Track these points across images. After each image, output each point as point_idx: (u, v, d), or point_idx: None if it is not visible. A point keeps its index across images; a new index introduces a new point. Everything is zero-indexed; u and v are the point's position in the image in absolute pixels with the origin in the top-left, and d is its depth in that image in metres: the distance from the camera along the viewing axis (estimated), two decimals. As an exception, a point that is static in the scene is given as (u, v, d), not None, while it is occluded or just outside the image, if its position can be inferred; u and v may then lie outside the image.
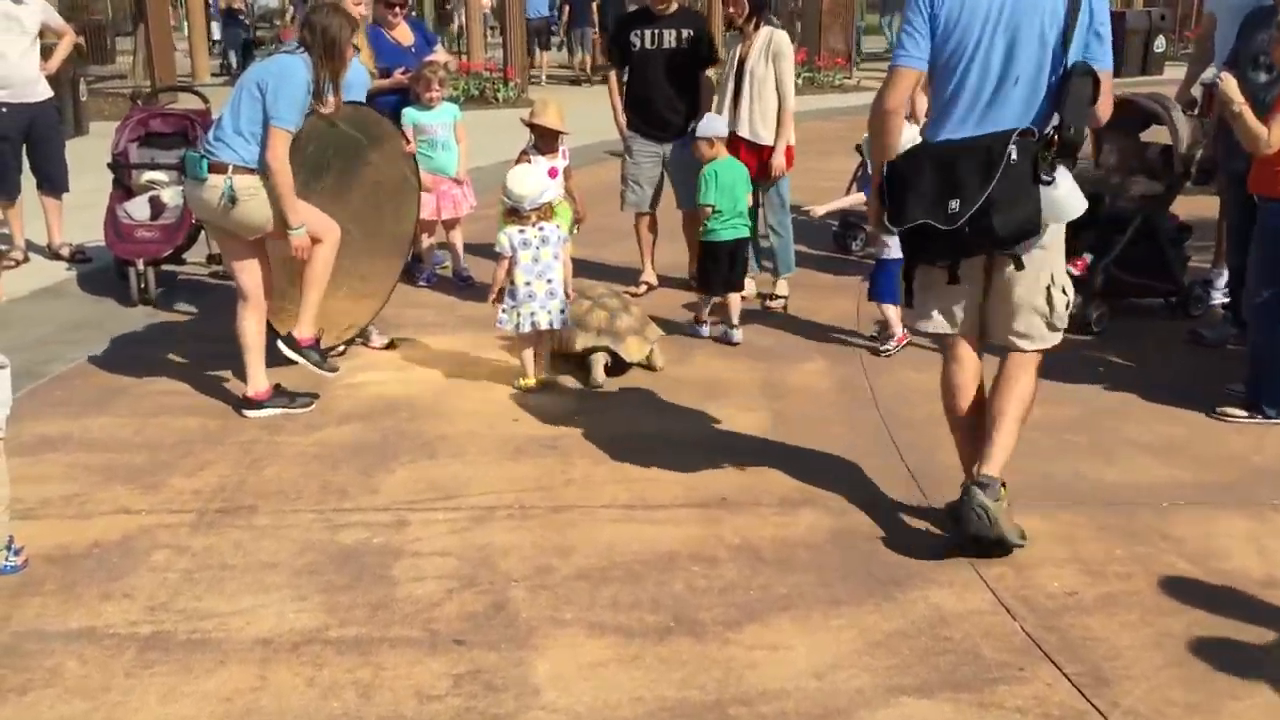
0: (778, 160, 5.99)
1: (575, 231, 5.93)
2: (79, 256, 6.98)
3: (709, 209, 5.58)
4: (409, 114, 6.50)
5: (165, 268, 6.36)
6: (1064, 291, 3.37)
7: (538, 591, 3.32)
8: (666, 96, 6.22)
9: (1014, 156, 3.11)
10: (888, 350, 5.47)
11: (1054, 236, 3.33)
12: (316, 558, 3.49)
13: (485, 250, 7.20)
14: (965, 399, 3.55)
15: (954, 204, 3.14)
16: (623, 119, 6.44)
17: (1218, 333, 5.65)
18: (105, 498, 3.91)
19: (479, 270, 6.67)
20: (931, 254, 3.38)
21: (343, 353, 5.32)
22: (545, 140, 5.95)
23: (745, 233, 5.70)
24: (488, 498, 3.93)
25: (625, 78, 6.46)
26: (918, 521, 3.79)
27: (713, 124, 5.68)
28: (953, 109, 3.29)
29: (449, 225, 6.79)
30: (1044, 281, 3.35)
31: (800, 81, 17.74)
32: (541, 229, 4.92)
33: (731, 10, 6.16)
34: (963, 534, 3.41)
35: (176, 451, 4.30)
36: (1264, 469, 4.24)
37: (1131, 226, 5.85)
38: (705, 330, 5.78)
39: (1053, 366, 5.39)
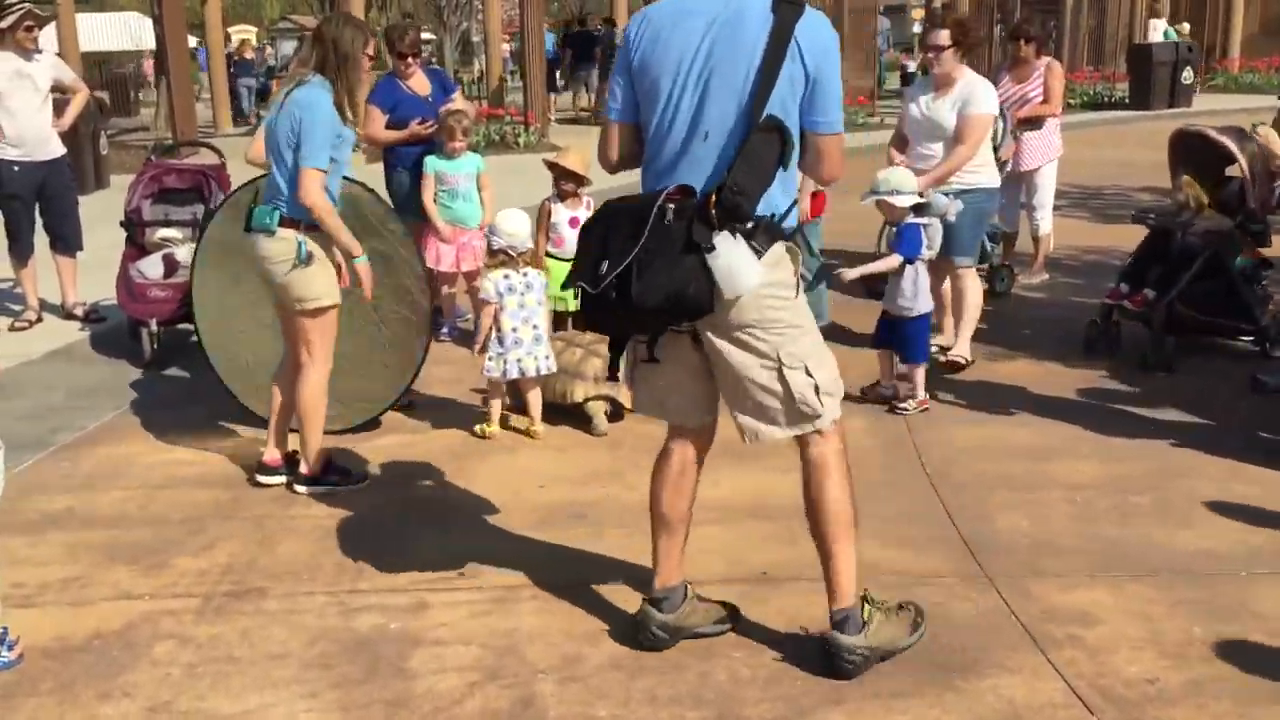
0: (803, 203, 5.76)
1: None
2: (93, 316, 6.82)
3: None
4: (431, 162, 6.35)
5: (181, 326, 6.18)
6: (808, 374, 2.91)
7: (567, 684, 3.05)
8: None
9: (668, 217, 2.72)
10: (904, 408, 5.18)
11: (780, 312, 2.88)
12: (329, 647, 3.24)
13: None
14: (664, 493, 3.20)
15: (604, 266, 2.74)
16: None
17: (1278, 378, 5.35)
18: (107, 580, 3.68)
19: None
20: (605, 327, 3.00)
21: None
22: (567, 187, 5.77)
23: None
24: (513, 575, 3.67)
25: None
26: (976, 597, 3.51)
27: None
28: (653, 163, 2.96)
29: (470, 277, 6.59)
30: (769, 362, 2.89)
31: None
32: (526, 274, 4.92)
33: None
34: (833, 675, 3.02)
35: (184, 528, 4.07)
36: (1347, 531, 3.94)
37: (1198, 262, 5.64)
38: None
39: (1115, 418, 5.30)
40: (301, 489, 4.35)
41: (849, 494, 3.03)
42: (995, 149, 6.84)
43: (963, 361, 5.69)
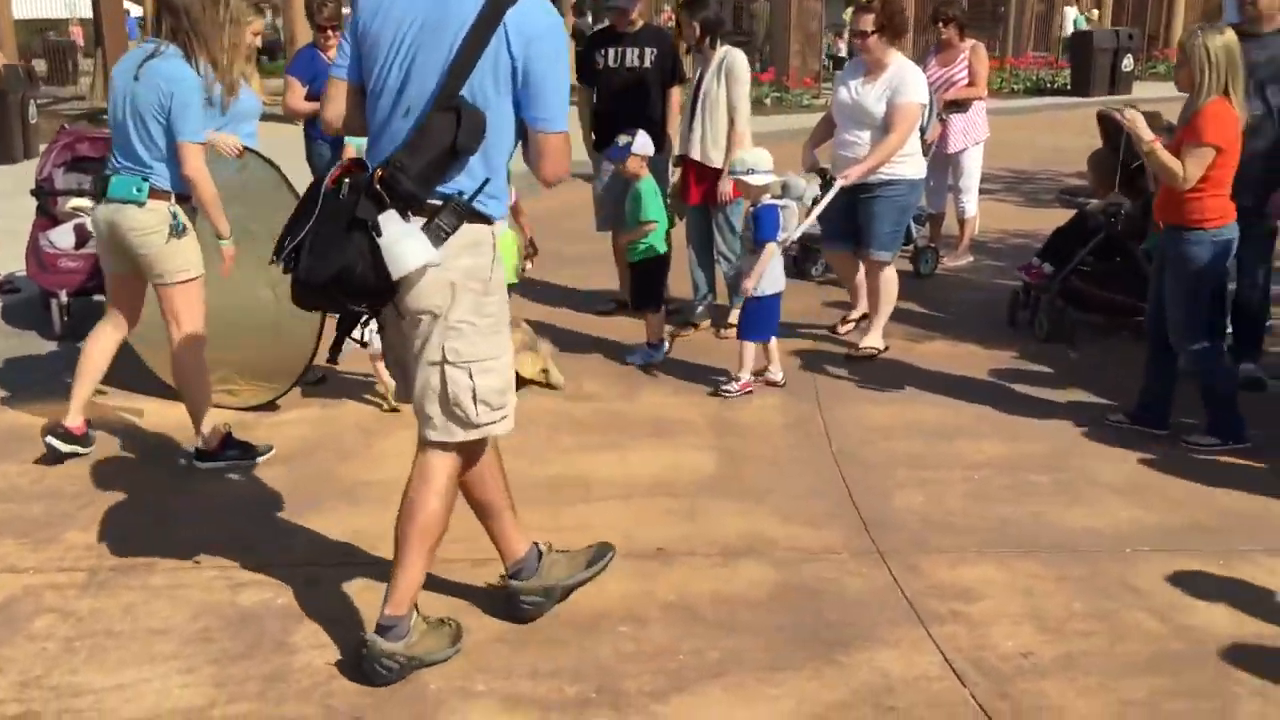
0: (723, 185, 5.76)
1: (528, 267, 5.74)
2: (7, 287, 6.67)
3: (653, 225, 5.42)
4: (353, 141, 6.26)
5: (97, 298, 6.06)
6: (470, 377, 2.80)
7: (452, 658, 3.05)
8: (631, 115, 5.99)
9: (343, 193, 2.68)
10: (727, 392, 5.15)
11: (463, 301, 2.78)
12: (212, 622, 3.21)
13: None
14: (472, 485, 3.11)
15: (287, 240, 2.71)
16: (589, 139, 6.27)
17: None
18: (-7, 554, 3.62)
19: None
20: (304, 304, 2.87)
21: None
22: None
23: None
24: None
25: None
26: (866, 572, 3.55)
27: (647, 143, 5.47)
28: (370, 136, 2.89)
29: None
30: (434, 355, 2.80)
31: (769, 102, 17.66)
32: None
33: (685, 31, 5.97)
34: (362, 676, 2.92)
35: (78, 502, 4.01)
36: (1233, 510, 4.03)
37: (1092, 240, 5.85)
38: (666, 348, 5.58)
39: (1022, 399, 5.38)
40: (202, 465, 4.30)
41: (447, 511, 2.93)
42: (922, 131, 6.90)
43: (874, 352, 5.72)
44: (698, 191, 6.00)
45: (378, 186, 2.66)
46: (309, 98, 6.35)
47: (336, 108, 2.93)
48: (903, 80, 5.47)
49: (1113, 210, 5.83)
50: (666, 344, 5.62)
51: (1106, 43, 19.49)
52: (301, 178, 4.47)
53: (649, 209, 5.47)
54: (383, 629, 2.91)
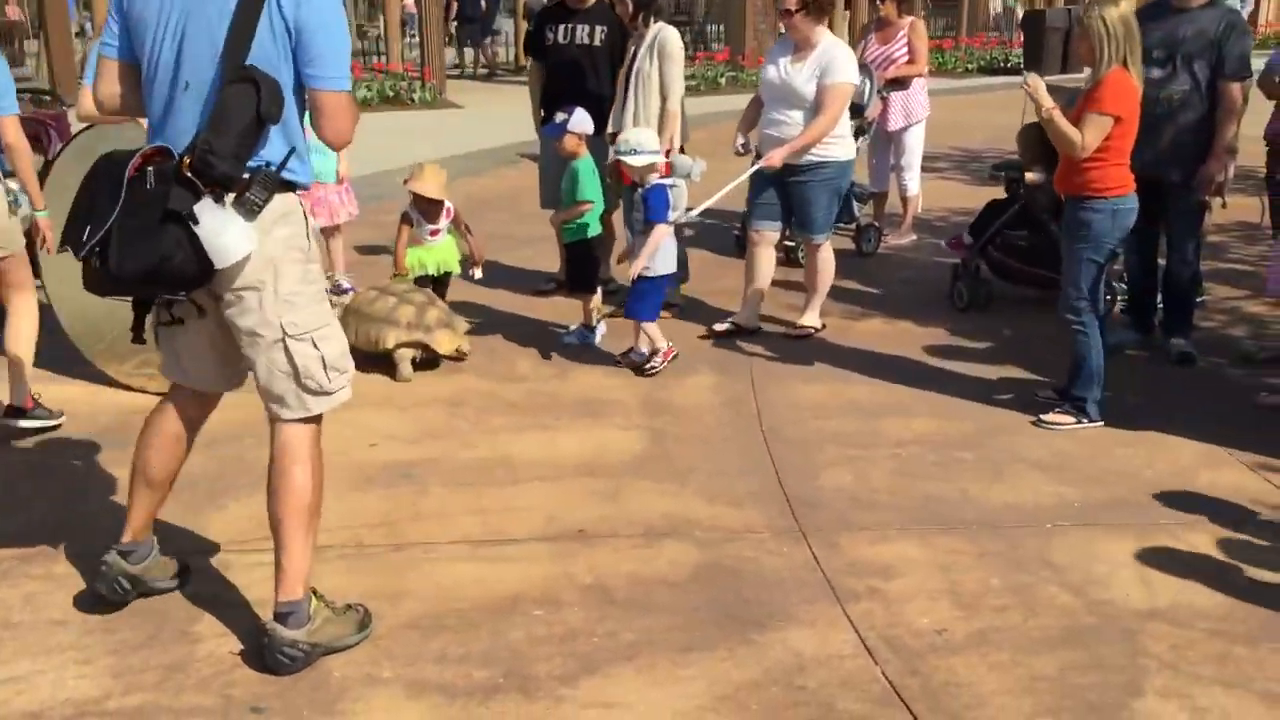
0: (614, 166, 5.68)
1: (475, 274, 5.77)
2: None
3: (588, 205, 5.37)
4: None
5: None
6: (315, 345, 2.78)
7: (359, 644, 2.99)
8: (579, 93, 5.91)
9: (150, 181, 2.57)
10: (653, 368, 5.13)
11: (287, 273, 2.73)
12: (114, 612, 3.14)
13: (373, 262, 6.91)
14: (155, 452, 3.02)
15: (85, 232, 2.58)
16: (538, 116, 6.21)
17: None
18: (-106, 545, 3.53)
19: (360, 282, 6.32)
20: (101, 292, 2.72)
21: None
22: (428, 209, 5.69)
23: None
24: (324, 535, 3.58)
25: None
26: (787, 551, 3.53)
27: (584, 120, 5.41)
28: (149, 117, 2.77)
29: (328, 234, 6.43)
30: (273, 334, 2.74)
31: (723, 80, 17.61)
32: None
33: (619, 9, 5.88)
34: (264, 667, 2.86)
35: (-13, 489, 3.91)
36: (1154, 483, 4.04)
37: (1008, 212, 6.06)
38: (602, 330, 5.54)
39: (953, 377, 5.39)
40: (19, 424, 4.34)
41: (317, 483, 2.87)
42: (863, 109, 6.87)
43: (811, 331, 5.69)
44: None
45: (188, 174, 2.56)
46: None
47: (109, 87, 2.81)
48: (832, 61, 5.34)
49: (1013, 177, 5.98)
50: (602, 326, 5.58)
51: (1058, 22, 19.45)
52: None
53: (585, 189, 5.41)
54: (281, 616, 2.84)
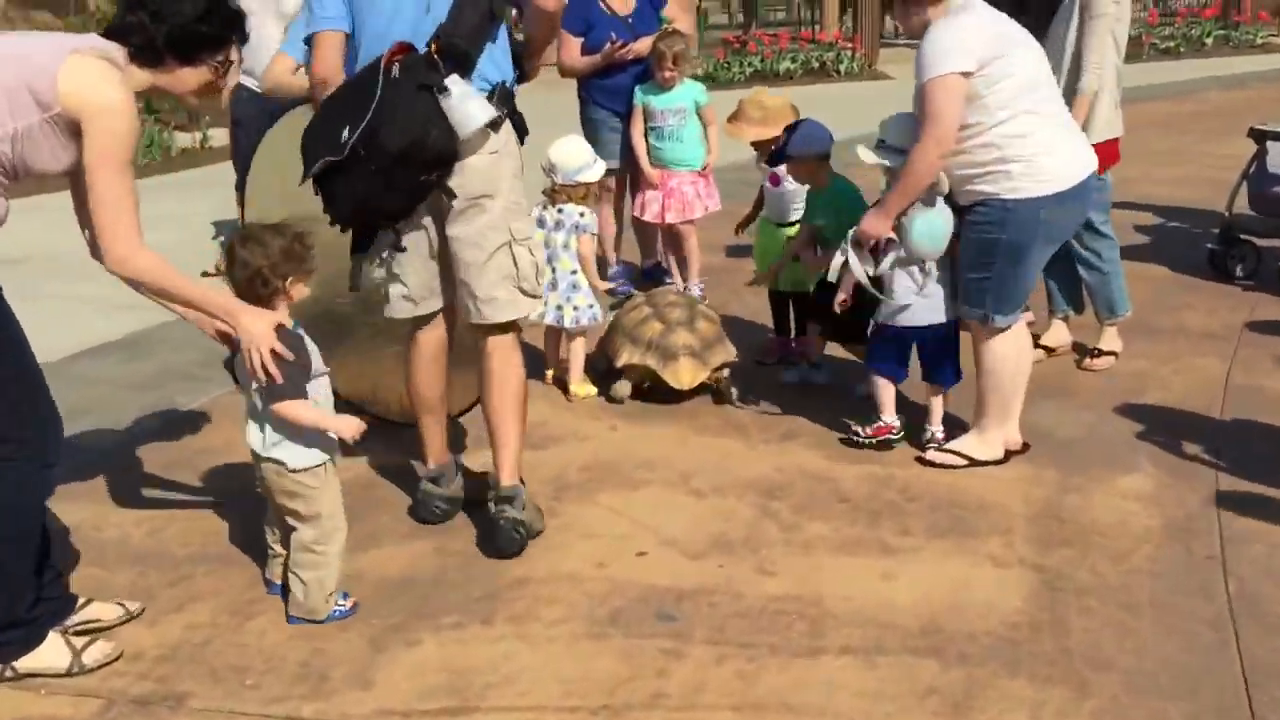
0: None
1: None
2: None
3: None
4: (638, 94, 5.36)
5: None
6: (530, 252, 3.14)
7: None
8: None
9: (395, 73, 2.84)
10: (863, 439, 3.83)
11: (506, 183, 3.06)
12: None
13: (734, 267, 5.79)
14: (421, 379, 3.28)
15: (345, 132, 2.81)
16: None
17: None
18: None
19: (717, 292, 5.28)
20: (346, 207, 2.95)
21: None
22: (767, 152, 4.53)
23: None
24: (527, 716, 2.52)
25: None
26: None
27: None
28: (376, 50, 2.95)
29: (675, 231, 5.43)
30: (500, 238, 3.06)
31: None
32: (560, 210, 4.30)
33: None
34: (496, 551, 3.15)
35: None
36: None
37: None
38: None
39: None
40: None
41: (524, 379, 3.20)
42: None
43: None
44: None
45: (435, 56, 2.86)
46: (584, 53, 5.37)
47: (336, 59, 3.04)
48: None
49: None
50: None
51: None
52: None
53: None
54: (506, 499, 3.12)
